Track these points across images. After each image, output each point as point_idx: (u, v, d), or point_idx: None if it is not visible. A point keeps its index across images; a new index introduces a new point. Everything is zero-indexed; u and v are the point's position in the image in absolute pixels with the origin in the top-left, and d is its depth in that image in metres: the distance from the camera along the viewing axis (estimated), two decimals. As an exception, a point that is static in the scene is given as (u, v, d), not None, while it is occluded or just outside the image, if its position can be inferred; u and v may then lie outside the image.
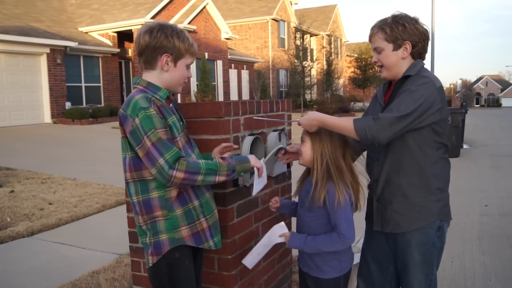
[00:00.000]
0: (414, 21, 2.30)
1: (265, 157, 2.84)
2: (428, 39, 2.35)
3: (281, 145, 2.72)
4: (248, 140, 2.64)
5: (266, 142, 2.90)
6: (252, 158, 2.22)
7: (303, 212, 2.38)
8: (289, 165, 3.18)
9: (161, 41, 2.10)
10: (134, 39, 2.19)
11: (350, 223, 2.22)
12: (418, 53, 2.34)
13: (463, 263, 4.37)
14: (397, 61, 2.33)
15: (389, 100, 2.37)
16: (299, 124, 2.32)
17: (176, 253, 2.14)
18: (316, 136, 2.31)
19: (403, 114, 2.12)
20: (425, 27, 2.34)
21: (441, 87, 2.26)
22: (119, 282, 3.80)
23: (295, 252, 3.24)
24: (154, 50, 2.11)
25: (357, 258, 4.07)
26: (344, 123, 2.20)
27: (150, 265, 2.15)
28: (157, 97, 2.12)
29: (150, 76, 2.16)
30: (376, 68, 2.43)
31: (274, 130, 2.99)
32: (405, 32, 2.27)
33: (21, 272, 4.18)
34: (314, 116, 2.26)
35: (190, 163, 2.00)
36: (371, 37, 2.38)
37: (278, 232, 2.36)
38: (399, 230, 2.35)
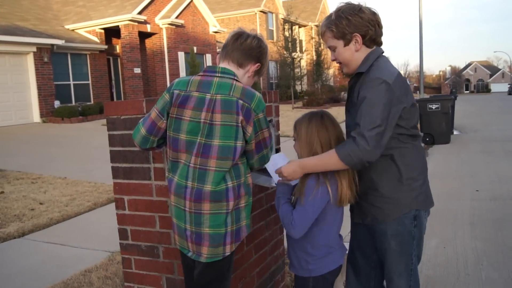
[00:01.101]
0: (358, 10, 2.23)
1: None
2: (378, 23, 2.27)
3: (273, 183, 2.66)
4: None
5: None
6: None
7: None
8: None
9: (261, 54, 2.31)
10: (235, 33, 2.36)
11: (304, 220, 2.21)
12: (372, 39, 2.26)
13: (455, 249, 4.39)
14: (352, 55, 2.28)
15: (347, 97, 2.40)
16: (283, 177, 2.30)
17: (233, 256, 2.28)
18: (305, 133, 2.31)
19: (373, 127, 2.06)
20: (372, 10, 2.26)
21: (396, 78, 2.15)
22: (112, 279, 3.77)
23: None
24: (252, 56, 2.27)
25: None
26: (327, 158, 2.17)
27: (227, 254, 2.15)
28: None
29: (237, 73, 2.23)
30: (337, 65, 2.40)
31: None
32: (350, 25, 2.22)
33: (12, 273, 4.14)
34: (294, 166, 2.24)
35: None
36: (322, 36, 2.36)
37: (278, 162, 2.41)
38: (376, 223, 2.33)
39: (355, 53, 2.27)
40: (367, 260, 2.55)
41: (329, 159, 2.15)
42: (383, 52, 2.33)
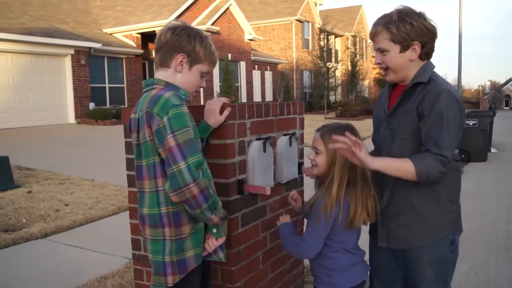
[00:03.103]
0: (422, 18, 2.06)
1: (274, 164, 2.70)
2: (436, 36, 2.12)
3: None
4: (255, 145, 2.50)
5: (276, 147, 2.75)
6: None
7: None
8: (300, 171, 3.02)
9: (181, 40, 2.01)
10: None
11: (315, 239, 2.12)
12: (427, 53, 2.12)
13: (488, 275, 4.14)
14: (404, 64, 2.11)
15: (395, 107, 2.17)
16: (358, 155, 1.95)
17: (195, 278, 2.01)
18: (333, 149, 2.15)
19: (454, 149, 2.02)
20: (432, 23, 2.10)
21: (459, 97, 2.08)
22: (127, 288, 3.70)
23: (306, 262, 3.08)
24: (172, 48, 2.01)
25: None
26: (402, 163, 1.99)
27: (170, 285, 1.95)
28: (182, 96, 2.01)
29: (165, 76, 2.04)
30: (380, 70, 2.20)
31: (285, 134, 2.84)
32: (413, 31, 2.04)
33: (29, 275, 4.12)
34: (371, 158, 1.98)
35: (208, 183, 1.87)
36: (373, 36, 2.14)
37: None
38: (408, 246, 2.16)
39: (408, 62, 2.11)
40: None
41: (403, 166, 1.97)
42: (433, 66, 2.18)
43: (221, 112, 2.28)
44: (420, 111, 2.04)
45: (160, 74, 2.05)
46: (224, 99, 2.30)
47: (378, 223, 2.23)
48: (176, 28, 2.02)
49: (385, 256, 2.32)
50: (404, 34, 2.04)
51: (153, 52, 2.11)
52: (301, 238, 2.17)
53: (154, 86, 2.01)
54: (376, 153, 2.23)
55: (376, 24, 2.13)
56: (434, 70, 2.16)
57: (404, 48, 2.07)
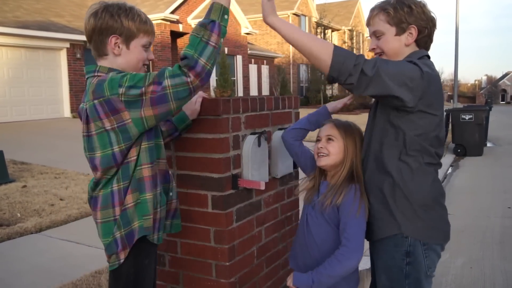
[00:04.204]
0: (422, 5, 2.01)
1: (269, 159, 2.68)
2: (435, 27, 2.06)
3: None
4: (250, 140, 2.48)
5: (271, 141, 2.73)
6: None
7: (314, 214, 2.18)
8: (295, 166, 3.01)
9: (106, 22, 1.88)
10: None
11: (361, 228, 2.01)
12: (424, 41, 2.04)
13: (483, 270, 4.15)
14: (399, 48, 2.02)
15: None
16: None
17: (146, 260, 1.98)
18: (351, 136, 2.14)
19: (390, 70, 1.86)
20: (432, 14, 2.05)
21: (433, 76, 1.94)
22: (122, 283, 3.68)
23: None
24: (101, 32, 1.89)
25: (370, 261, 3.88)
26: (312, 36, 1.88)
27: (122, 260, 1.91)
28: None
29: (106, 64, 1.93)
30: (374, 56, 2.04)
31: (280, 129, 2.82)
32: (411, 14, 1.97)
33: (23, 270, 4.10)
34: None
35: (185, 52, 1.73)
36: (370, 19, 2.07)
37: None
38: (367, 238, 2.10)
39: (403, 46, 2.02)
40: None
41: (307, 34, 1.88)
42: (428, 56, 2.07)
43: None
44: None
45: (101, 63, 1.95)
46: (201, 93, 2.27)
47: None
48: (97, 11, 1.90)
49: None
50: (402, 16, 1.98)
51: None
52: (343, 239, 1.99)
53: (95, 74, 1.90)
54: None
55: (373, 8, 2.08)
56: (428, 59, 2.05)
57: (401, 31, 2.00)
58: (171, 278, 2.57)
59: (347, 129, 2.16)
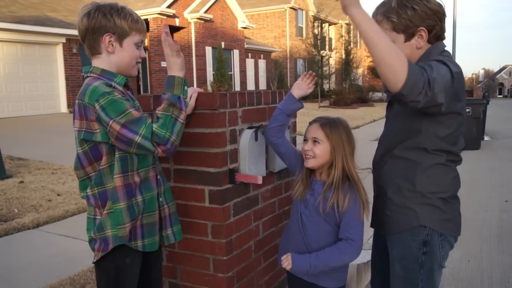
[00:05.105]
0: (425, 1, 1.89)
1: (266, 153, 2.68)
2: (444, 15, 1.94)
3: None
4: (247, 134, 2.47)
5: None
6: (171, 66, 1.98)
7: (309, 213, 2.19)
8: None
9: (99, 21, 1.93)
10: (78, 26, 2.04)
11: (362, 230, 2.06)
12: (437, 36, 1.94)
13: (480, 263, 4.15)
14: (412, 53, 1.93)
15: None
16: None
17: (127, 259, 2.00)
18: (336, 136, 2.10)
19: (440, 78, 1.75)
20: (438, 1, 1.93)
21: (461, 73, 1.87)
22: (119, 278, 3.68)
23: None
24: (95, 32, 1.95)
25: (368, 255, 3.89)
26: (386, 38, 1.64)
27: (94, 261, 2.01)
28: (115, 84, 1.96)
29: (100, 62, 1.99)
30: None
31: (277, 123, 2.81)
32: (416, 16, 1.87)
33: (21, 266, 4.10)
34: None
35: (158, 132, 1.82)
36: None
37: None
38: (383, 232, 2.12)
39: (415, 50, 1.94)
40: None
41: (388, 40, 1.63)
42: (445, 46, 1.98)
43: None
44: None
45: (95, 62, 2.00)
46: (197, 89, 2.29)
47: (373, 206, 2.19)
48: (90, 12, 1.95)
49: (381, 242, 2.28)
50: (407, 21, 1.89)
51: (82, 43, 2.05)
52: (347, 238, 2.03)
53: (89, 75, 1.97)
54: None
55: (374, 14, 1.98)
56: (446, 50, 1.96)
57: (409, 36, 1.92)
58: (169, 272, 2.57)
59: (332, 129, 2.11)
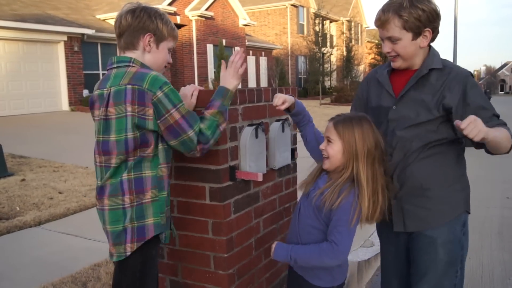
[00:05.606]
0: (433, 5, 2.02)
1: (267, 150, 2.68)
2: (440, 20, 2.10)
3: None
4: (247, 131, 2.47)
5: (268, 133, 2.73)
6: (228, 81, 2.19)
7: (307, 204, 2.15)
8: (293, 157, 3.00)
9: (144, 21, 2.05)
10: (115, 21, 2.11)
11: (350, 237, 1.98)
12: (435, 38, 2.10)
13: (481, 260, 4.16)
14: (415, 51, 2.08)
15: (407, 92, 2.11)
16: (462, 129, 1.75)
17: (153, 251, 2.04)
18: (349, 135, 1.99)
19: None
20: (437, 6, 2.06)
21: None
22: (121, 275, 3.69)
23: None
24: (137, 30, 2.05)
25: (369, 252, 3.89)
26: (505, 134, 1.92)
27: (128, 253, 1.96)
28: None
29: (135, 56, 2.06)
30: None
31: (277, 120, 2.82)
32: (425, 18, 1.99)
33: (23, 263, 4.11)
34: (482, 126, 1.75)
35: (204, 132, 2.03)
36: (384, 23, 2.04)
37: None
38: (424, 228, 2.14)
39: (418, 48, 2.08)
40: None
41: (507, 136, 1.92)
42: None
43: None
44: (446, 95, 2.03)
45: (131, 55, 2.07)
46: (198, 87, 2.32)
47: (393, 208, 2.18)
48: (135, 10, 2.06)
49: (399, 242, 2.30)
50: (417, 21, 2.00)
51: (116, 35, 2.13)
52: (332, 241, 1.95)
53: (131, 64, 2.03)
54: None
55: (386, 11, 2.03)
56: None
57: (416, 35, 2.04)
58: (170, 270, 2.58)
59: (345, 127, 2.01)
